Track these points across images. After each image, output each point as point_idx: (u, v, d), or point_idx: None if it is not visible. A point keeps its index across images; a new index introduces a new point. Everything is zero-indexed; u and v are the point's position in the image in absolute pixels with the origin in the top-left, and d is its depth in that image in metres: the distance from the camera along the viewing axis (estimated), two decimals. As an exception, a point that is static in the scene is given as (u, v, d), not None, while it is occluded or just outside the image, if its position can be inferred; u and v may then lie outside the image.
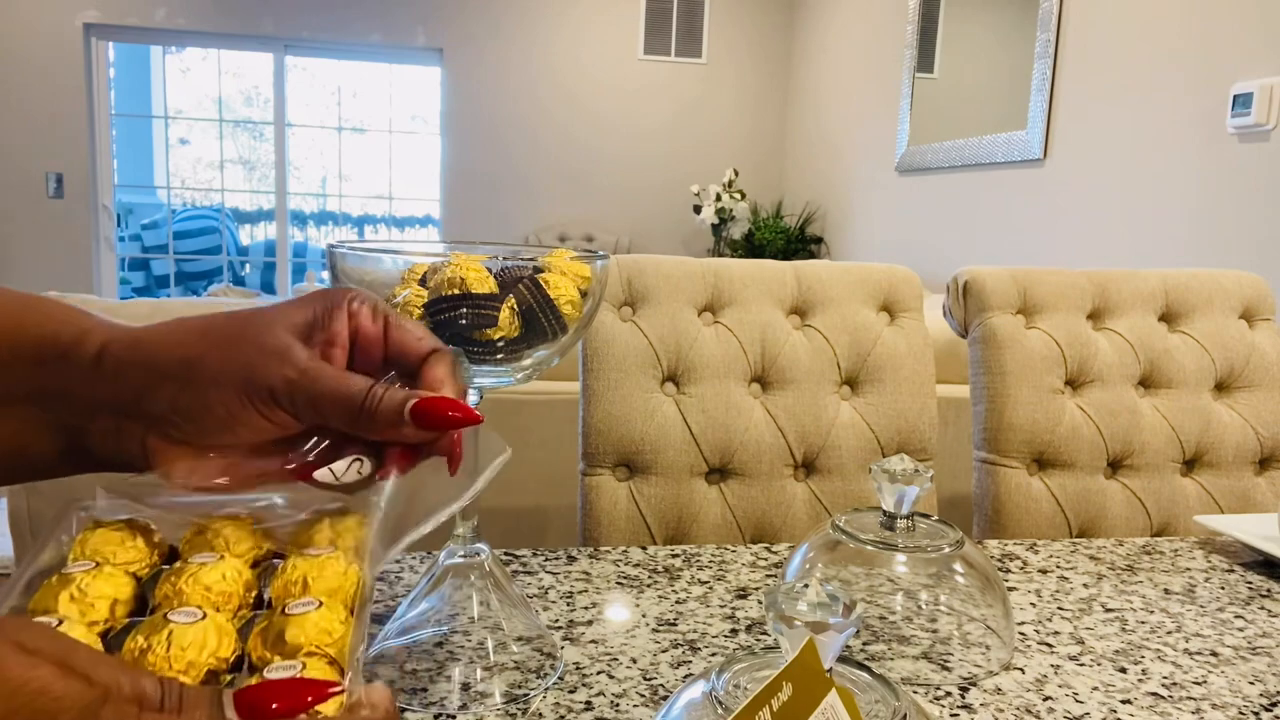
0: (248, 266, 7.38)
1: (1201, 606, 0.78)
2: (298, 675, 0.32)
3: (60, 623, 0.33)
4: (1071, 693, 0.62)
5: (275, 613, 0.35)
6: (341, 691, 0.32)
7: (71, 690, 0.28)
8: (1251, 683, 0.64)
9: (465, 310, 0.53)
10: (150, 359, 0.40)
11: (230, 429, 0.39)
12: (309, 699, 0.31)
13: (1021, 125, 3.19)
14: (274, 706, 0.30)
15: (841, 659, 0.45)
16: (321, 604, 0.35)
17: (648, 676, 0.61)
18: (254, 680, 0.32)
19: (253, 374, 0.39)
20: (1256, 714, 0.60)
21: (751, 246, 5.19)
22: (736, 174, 5.30)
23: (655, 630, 0.69)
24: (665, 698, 0.58)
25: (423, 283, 0.55)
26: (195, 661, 0.33)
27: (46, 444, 0.42)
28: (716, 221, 5.24)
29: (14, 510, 1.65)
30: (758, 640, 0.68)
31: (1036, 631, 0.72)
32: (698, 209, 5.33)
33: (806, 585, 0.43)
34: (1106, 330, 1.22)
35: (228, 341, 0.40)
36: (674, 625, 0.70)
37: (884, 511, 0.66)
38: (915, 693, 0.61)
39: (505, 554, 0.82)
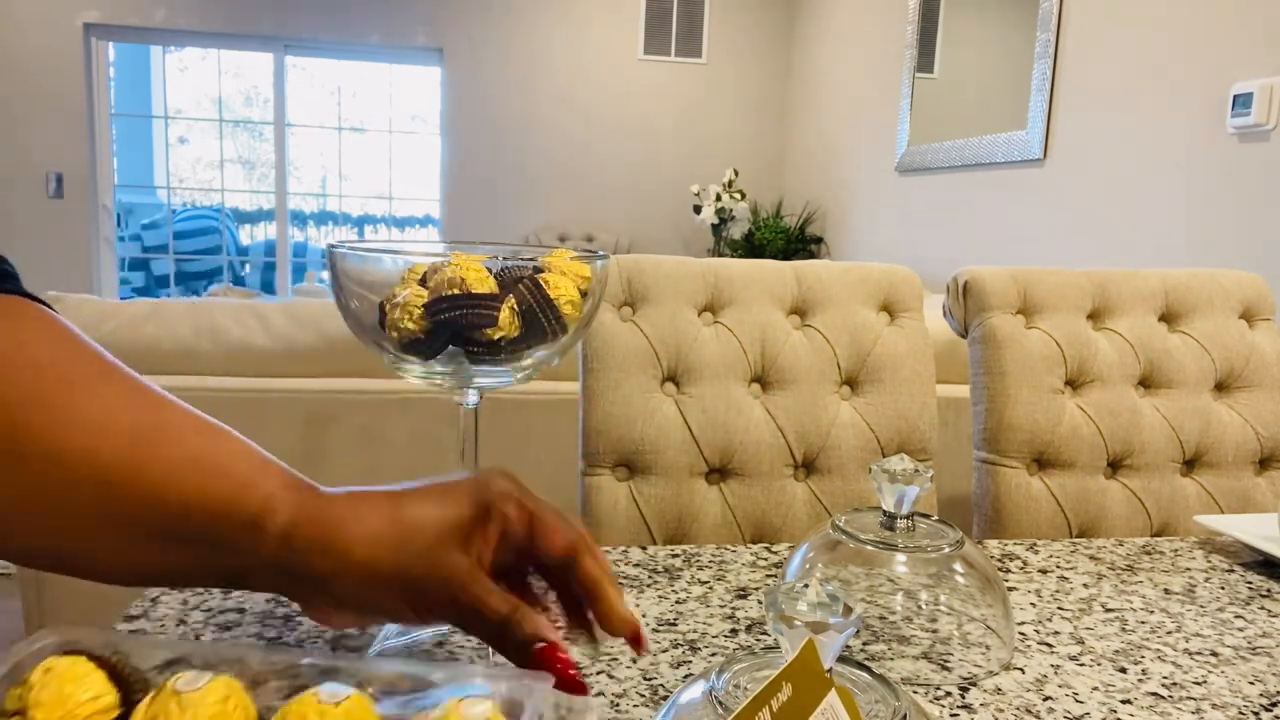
0: (248, 266, 7.38)
1: (1201, 606, 0.78)
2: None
3: None
4: (1071, 693, 0.62)
5: None
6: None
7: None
8: (1251, 683, 0.64)
9: (465, 310, 0.53)
10: (338, 552, 0.44)
11: (388, 619, 0.49)
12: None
13: (1021, 125, 3.19)
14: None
15: (841, 659, 0.45)
16: None
17: (648, 676, 0.61)
18: None
19: (423, 590, 0.44)
20: (1256, 714, 0.60)
21: (751, 246, 5.19)
22: (736, 174, 5.30)
23: (655, 630, 0.69)
24: (665, 698, 0.58)
25: (423, 283, 0.55)
26: None
27: (209, 581, 0.46)
28: (716, 221, 5.24)
29: (14, 510, 1.65)
30: (758, 640, 0.68)
31: (1036, 631, 0.72)
32: (698, 209, 5.33)
33: (806, 585, 0.43)
34: (1106, 330, 1.22)
35: (407, 554, 0.44)
36: (674, 625, 0.70)
37: (884, 511, 0.66)
38: (915, 693, 0.61)
39: (505, 554, 0.82)
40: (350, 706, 0.34)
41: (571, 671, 0.42)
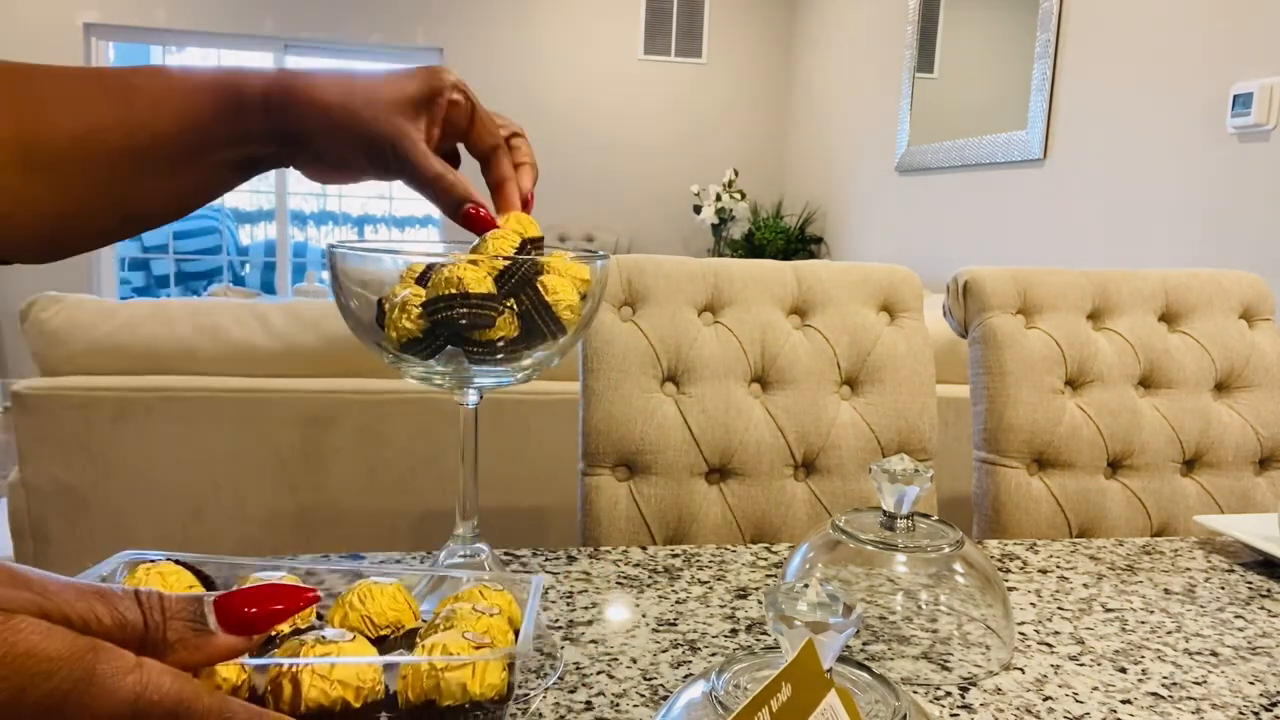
0: (248, 266, 7.37)
1: (1201, 606, 0.78)
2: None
3: None
4: (1071, 693, 0.62)
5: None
6: (316, 599, 0.32)
7: (60, 647, 0.26)
8: (1251, 683, 0.64)
9: (462, 310, 0.53)
10: (306, 113, 0.51)
11: (360, 174, 0.55)
12: (281, 606, 0.31)
13: (1021, 125, 3.19)
14: (249, 610, 0.31)
15: (841, 659, 0.45)
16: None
17: (648, 676, 0.61)
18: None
19: (375, 146, 0.52)
20: (1256, 714, 0.60)
21: (751, 246, 5.18)
22: (736, 174, 5.30)
23: (655, 630, 0.69)
24: (665, 698, 0.58)
25: (421, 281, 0.55)
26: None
27: (226, 175, 0.53)
28: (716, 221, 5.24)
29: (14, 510, 1.65)
30: (758, 640, 0.68)
31: (1036, 631, 0.72)
32: (698, 209, 5.33)
33: (806, 585, 0.42)
34: (1106, 330, 1.22)
35: (362, 115, 0.52)
36: (674, 625, 0.70)
37: (884, 511, 0.66)
38: (915, 693, 0.60)
39: (505, 554, 0.82)
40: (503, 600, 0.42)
41: (492, 219, 0.55)
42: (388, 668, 0.34)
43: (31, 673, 0.26)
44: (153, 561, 0.38)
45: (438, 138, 0.55)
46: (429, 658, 0.34)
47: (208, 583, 0.39)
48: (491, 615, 0.39)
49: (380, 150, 0.53)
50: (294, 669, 0.32)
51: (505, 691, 0.35)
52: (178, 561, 0.39)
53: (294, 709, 0.31)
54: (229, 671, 0.31)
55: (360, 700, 0.32)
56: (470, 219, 0.54)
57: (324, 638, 0.33)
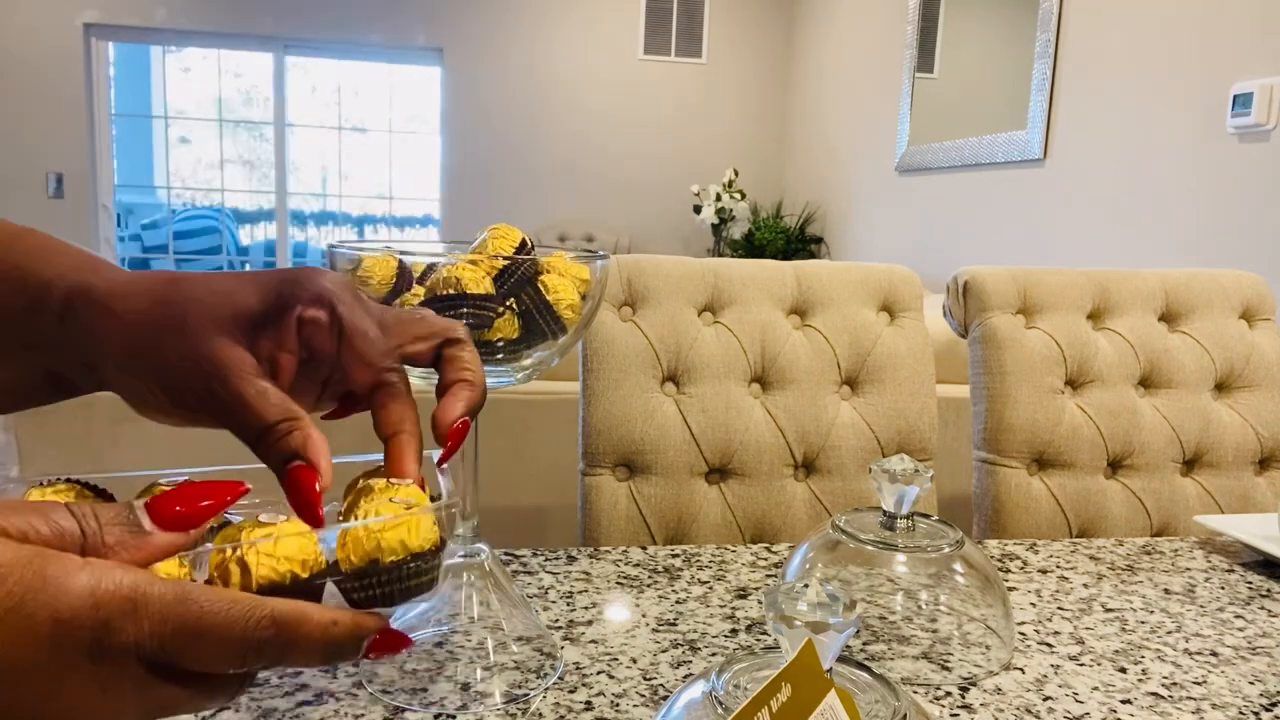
0: (248, 266, 7.37)
1: (1201, 606, 0.78)
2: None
3: None
4: (1071, 693, 0.62)
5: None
6: (245, 491, 0.33)
7: (5, 554, 0.27)
8: (1251, 683, 0.64)
9: (462, 310, 0.53)
10: (100, 334, 0.39)
11: (168, 416, 0.40)
12: (210, 501, 0.32)
13: (1021, 125, 3.19)
14: (176, 509, 0.31)
15: (841, 659, 0.45)
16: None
17: (648, 676, 0.61)
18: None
19: (179, 379, 0.38)
20: (1256, 714, 0.60)
21: (751, 246, 5.19)
22: (736, 174, 5.30)
23: (655, 630, 0.69)
24: (665, 698, 0.58)
25: (420, 281, 0.55)
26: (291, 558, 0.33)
27: (36, 382, 0.43)
28: (716, 221, 5.24)
29: (14, 510, 1.65)
30: (758, 640, 0.68)
31: (1036, 631, 0.72)
32: (698, 209, 5.33)
33: (806, 585, 0.42)
34: (1106, 330, 1.22)
35: (167, 339, 0.39)
36: (674, 625, 0.70)
37: (884, 511, 0.66)
38: (915, 693, 0.60)
39: (505, 554, 0.82)
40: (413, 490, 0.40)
41: (315, 503, 0.37)
42: (326, 542, 0.35)
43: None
44: (48, 484, 0.37)
45: (290, 367, 0.41)
46: (365, 520, 0.35)
47: (109, 500, 0.39)
48: (407, 485, 0.40)
49: (185, 387, 0.38)
50: (239, 552, 0.32)
51: (439, 543, 0.37)
52: (74, 480, 0.38)
53: (245, 588, 0.32)
54: (169, 567, 0.32)
55: (307, 571, 0.34)
56: (294, 481, 0.37)
57: (260, 520, 0.35)
